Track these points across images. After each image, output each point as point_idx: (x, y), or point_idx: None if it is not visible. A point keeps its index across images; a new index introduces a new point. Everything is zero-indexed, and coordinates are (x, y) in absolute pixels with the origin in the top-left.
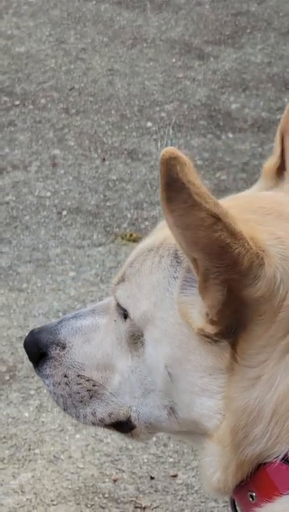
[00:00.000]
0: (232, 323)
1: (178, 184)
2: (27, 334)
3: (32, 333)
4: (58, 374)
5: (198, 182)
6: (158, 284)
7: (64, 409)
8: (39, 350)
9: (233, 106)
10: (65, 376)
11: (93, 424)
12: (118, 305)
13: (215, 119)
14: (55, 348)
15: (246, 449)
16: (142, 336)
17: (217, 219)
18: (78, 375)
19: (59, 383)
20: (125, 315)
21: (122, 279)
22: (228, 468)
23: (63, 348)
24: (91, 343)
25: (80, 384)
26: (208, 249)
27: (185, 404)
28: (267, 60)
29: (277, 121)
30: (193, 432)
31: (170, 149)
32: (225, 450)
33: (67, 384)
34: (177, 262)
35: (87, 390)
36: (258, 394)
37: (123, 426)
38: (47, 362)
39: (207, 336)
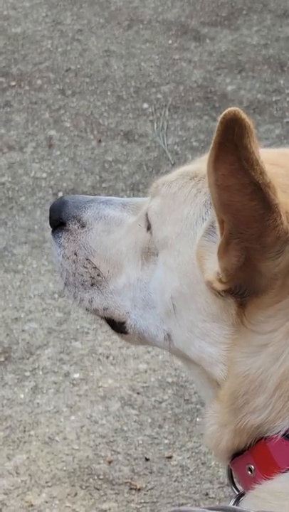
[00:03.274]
0: (242, 286)
1: (230, 146)
2: (57, 199)
3: (61, 199)
4: (70, 249)
5: (251, 147)
6: (186, 218)
7: (65, 284)
8: (59, 218)
9: (229, 88)
10: (75, 254)
11: (87, 310)
12: (147, 213)
13: (211, 101)
14: (75, 223)
15: (246, 416)
16: (157, 256)
17: (258, 188)
18: (87, 259)
19: (68, 257)
20: (149, 225)
21: (157, 194)
22: (226, 427)
23: (82, 226)
24: (110, 235)
25: (85, 268)
26: (239, 215)
27: (182, 340)
28: (263, 42)
29: (272, 103)
30: (196, 369)
31: (234, 110)
32: (224, 410)
33: (74, 262)
34: (210, 204)
35: (91, 277)
36: (261, 363)
37: (115, 325)
38: (63, 232)
39: (213, 288)
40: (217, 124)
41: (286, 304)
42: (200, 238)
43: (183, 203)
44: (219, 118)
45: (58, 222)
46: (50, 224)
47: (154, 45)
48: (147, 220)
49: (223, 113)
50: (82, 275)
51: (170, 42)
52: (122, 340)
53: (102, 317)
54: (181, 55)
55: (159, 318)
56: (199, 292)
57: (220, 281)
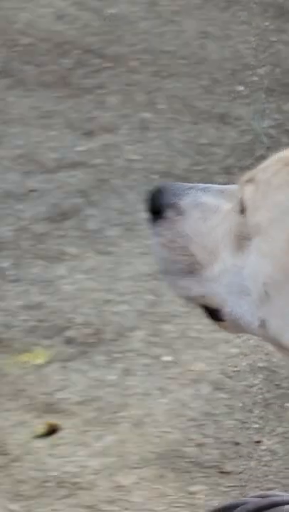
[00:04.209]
0: None
1: None
2: (156, 186)
3: (160, 187)
4: (167, 237)
5: None
6: (281, 204)
7: (162, 272)
8: (159, 206)
9: None
10: (172, 242)
11: (184, 297)
12: (241, 199)
13: None
14: (173, 212)
15: None
16: (250, 241)
17: None
18: (184, 247)
19: (164, 245)
20: (242, 210)
21: (253, 179)
22: None
23: (180, 214)
24: (206, 222)
25: (183, 255)
26: None
27: (277, 326)
28: None
29: None
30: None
31: None
32: None
33: (171, 250)
34: None
35: (188, 264)
36: None
37: (212, 313)
38: (161, 221)
39: None
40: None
41: None
42: None
43: (277, 189)
44: None
45: (157, 210)
46: (148, 212)
47: (251, 27)
48: (241, 204)
49: None
50: (179, 263)
51: (267, 24)
52: (215, 325)
53: (199, 305)
54: (278, 36)
55: (254, 305)
56: None
57: None
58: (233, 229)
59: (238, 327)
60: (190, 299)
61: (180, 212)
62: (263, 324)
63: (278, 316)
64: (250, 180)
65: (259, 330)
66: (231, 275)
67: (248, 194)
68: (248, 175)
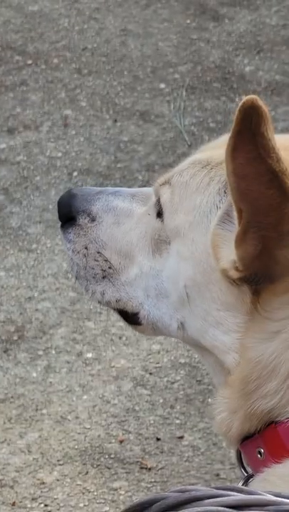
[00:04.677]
0: (258, 273)
1: (248, 134)
2: (65, 192)
3: (69, 193)
4: (80, 243)
5: (268, 134)
6: (199, 206)
7: (76, 278)
8: (70, 213)
9: (247, 68)
10: (86, 248)
11: (99, 302)
12: (157, 202)
13: (229, 82)
14: (85, 218)
15: (257, 401)
16: (169, 244)
17: (274, 176)
18: (98, 252)
19: (78, 252)
20: (159, 214)
21: (168, 182)
22: (236, 414)
23: (93, 220)
24: (120, 226)
25: (97, 261)
26: (257, 204)
27: (196, 328)
28: (282, 23)
29: None
30: (209, 357)
31: (252, 98)
32: (235, 396)
33: (85, 256)
34: (225, 192)
35: (102, 270)
36: (274, 349)
37: (128, 316)
38: (73, 227)
39: (228, 277)
40: (235, 112)
41: None
42: (214, 227)
43: (195, 192)
44: (238, 107)
45: (68, 216)
46: (60, 218)
47: (172, 25)
48: (157, 209)
49: (241, 101)
50: (93, 268)
51: (188, 21)
52: (131, 328)
53: (114, 309)
54: (199, 34)
55: (173, 307)
56: (213, 281)
57: (236, 269)
58: (150, 232)
59: (155, 330)
60: (105, 303)
61: (93, 218)
62: (181, 326)
63: (199, 317)
64: (165, 183)
65: (178, 332)
66: (149, 278)
67: (164, 197)
68: (162, 178)
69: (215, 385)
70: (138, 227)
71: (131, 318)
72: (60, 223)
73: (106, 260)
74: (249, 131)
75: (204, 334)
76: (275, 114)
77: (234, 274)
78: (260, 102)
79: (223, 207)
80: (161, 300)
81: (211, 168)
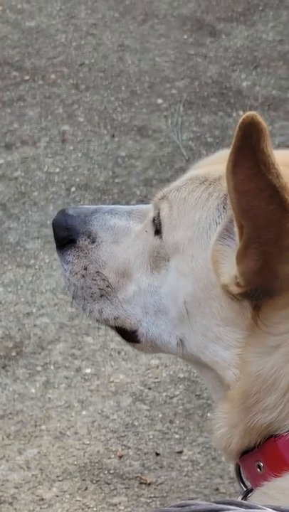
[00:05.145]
0: (258, 288)
1: (248, 150)
2: (58, 213)
3: (64, 214)
4: (79, 264)
5: (268, 150)
6: (199, 222)
7: (73, 298)
8: (69, 236)
9: (244, 83)
10: (85, 269)
11: (97, 321)
12: (154, 219)
13: (226, 97)
14: (85, 240)
15: (257, 415)
16: (168, 261)
17: (275, 192)
18: (97, 272)
19: (76, 273)
20: (158, 231)
21: (166, 197)
22: (236, 429)
23: (93, 242)
24: (119, 245)
25: (94, 280)
26: (258, 219)
27: (196, 344)
28: (278, 38)
29: (288, 99)
30: (208, 373)
31: (251, 115)
32: (234, 410)
33: (83, 276)
34: (224, 208)
35: (100, 289)
36: (274, 363)
37: (127, 334)
38: (72, 249)
39: (229, 292)
40: (236, 129)
41: None
42: (214, 242)
43: (194, 208)
44: (238, 123)
45: (67, 239)
46: (57, 241)
47: (169, 40)
48: (154, 225)
49: (241, 118)
50: (90, 287)
51: (185, 37)
52: (130, 346)
53: (112, 327)
54: (197, 50)
55: (172, 323)
56: (214, 296)
57: (237, 284)
58: (147, 249)
59: (154, 347)
60: (103, 321)
61: (93, 239)
62: (180, 343)
63: (199, 333)
64: (163, 198)
65: (177, 349)
66: (147, 295)
67: (162, 214)
68: (160, 194)
69: (214, 400)
70: (135, 244)
71: (129, 335)
72: (57, 245)
73: (104, 279)
74: (249, 148)
75: (204, 350)
76: (272, 129)
77: (235, 290)
78: (260, 119)
79: (223, 222)
80: (160, 317)
81: (210, 184)
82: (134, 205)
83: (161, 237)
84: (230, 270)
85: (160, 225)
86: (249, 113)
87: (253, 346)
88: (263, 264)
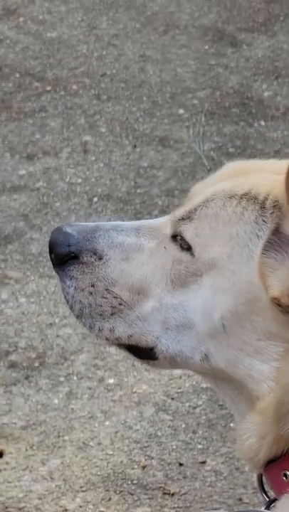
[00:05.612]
0: None
1: None
2: (54, 230)
3: (62, 231)
4: (85, 281)
5: None
6: (237, 237)
7: (77, 317)
8: (70, 253)
9: (266, 93)
10: (92, 286)
11: (106, 339)
12: (181, 238)
13: (247, 107)
14: (91, 256)
15: (287, 424)
16: (201, 276)
17: None
18: (107, 289)
19: (82, 290)
20: (183, 247)
21: (190, 217)
22: (265, 439)
23: (100, 258)
24: (131, 262)
25: (105, 298)
26: None
27: (227, 359)
28: None
29: None
30: (231, 387)
31: None
32: (266, 421)
33: (91, 294)
34: (263, 221)
35: (111, 307)
36: None
37: (142, 352)
38: (76, 265)
39: (280, 305)
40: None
41: None
42: (259, 256)
43: (228, 223)
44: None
45: (68, 256)
46: (56, 257)
47: (191, 51)
48: (177, 243)
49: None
50: (101, 306)
51: (206, 47)
52: (144, 364)
53: (123, 345)
54: (218, 60)
55: (196, 338)
56: (257, 311)
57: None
58: (168, 265)
59: (172, 363)
60: (114, 340)
61: (99, 256)
62: (205, 358)
63: (233, 348)
64: (185, 219)
65: (200, 364)
66: (169, 310)
67: (189, 231)
68: (180, 213)
69: (233, 413)
70: (152, 261)
71: (145, 353)
72: (54, 262)
73: (116, 297)
74: None
75: (238, 364)
76: None
77: (287, 301)
78: None
79: (265, 235)
80: (183, 332)
81: (241, 198)
82: (155, 216)
83: (192, 254)
84: (281, 279)
85: (187, 243)
86: None
87: None
88: None
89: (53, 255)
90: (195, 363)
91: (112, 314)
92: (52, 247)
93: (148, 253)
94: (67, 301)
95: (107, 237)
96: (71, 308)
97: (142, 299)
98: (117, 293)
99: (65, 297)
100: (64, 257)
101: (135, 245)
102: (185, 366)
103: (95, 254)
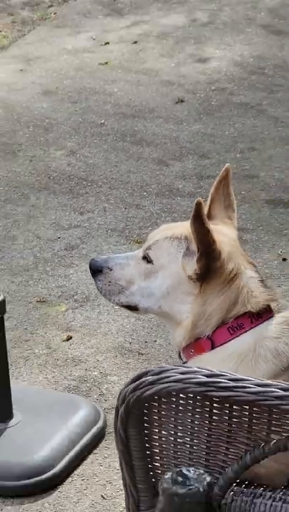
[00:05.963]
0: (204, 275)
1: (200, 216)
2: (91, 260)
3: (94, 260)
4: (106, 280)
5: (205, 217)
6: (172, 253)
7: (104, 295)
8: (98, 268)
9: None
10: (109, 282)
11: (117, 304)
12: (146, 256)
13: None
14: (107, 269)
15: (195, 331)
16: (157, 272)
17: (209, 232)
18: (116, 282)
19: (104, 283)
20: (148, 261)
21: (150, 248)
22: (184, 338)
23: (110, 269)
24: (124, 270)
25: (114, 286)
26: (204, 243)
27: (169, 305)
28: None
29: None
30: (169, 318)
31: (199, 200)
32: (187, 330)
33: (108, 285)
34: (182, 245)
35: (118, 290)
36: (205, 309)
37: (131, 308)
38: (101, 274)
39: (191, 278)
40: (193, 207)
41: (220, 286)
42: (182, 260)
43: (167, 248)
44: (192, 210)
45: (97, 271)
46: (92, 271)
47: None
48: (145, 259)
49: (194, 203)
50: (112, 290)
51: None
52: (132, 313)
53: (124, 306)
54: None
55: (155, 300)
56: (182, 282)
57: (195, 274)
58: (142, 269)
59: (145, 311)
60: (120, 304)
61: (110, 268)
62: (160, 308)
63: (172, 301)
64: (148, 249)
65: (157, 311)
66: (143, 289)
67: (151, 254)
68: (146, 246)
69: (169, 329)
70: (134, 269)
71: (133, 308)
72: (93, 274)
73: (119, 285)
74: (200, 215)
75: (173, 308)
76: None
77: (194, 276)
78: (201, 201)
79: (183, 250)
80: (149, 298)
81: (171, 237)
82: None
83: (152, 263)
84: (191, 268)
85: (151, 259)
86: (198, 199)
87: (197, 302)
88: (205, 262)
89: (91, 271)
90: (154, 310)
91: (118, 293)
92: (90, 267)
93: (132, 265)
94: (99, 289)
95: (114, 260)
96: (100, 292)
97: (130, 285)
98: (120, 284)
99: (98, 288)
100: (95, 271)
101: (126, 263)
102: (150, 312)
103: (108, 268)
